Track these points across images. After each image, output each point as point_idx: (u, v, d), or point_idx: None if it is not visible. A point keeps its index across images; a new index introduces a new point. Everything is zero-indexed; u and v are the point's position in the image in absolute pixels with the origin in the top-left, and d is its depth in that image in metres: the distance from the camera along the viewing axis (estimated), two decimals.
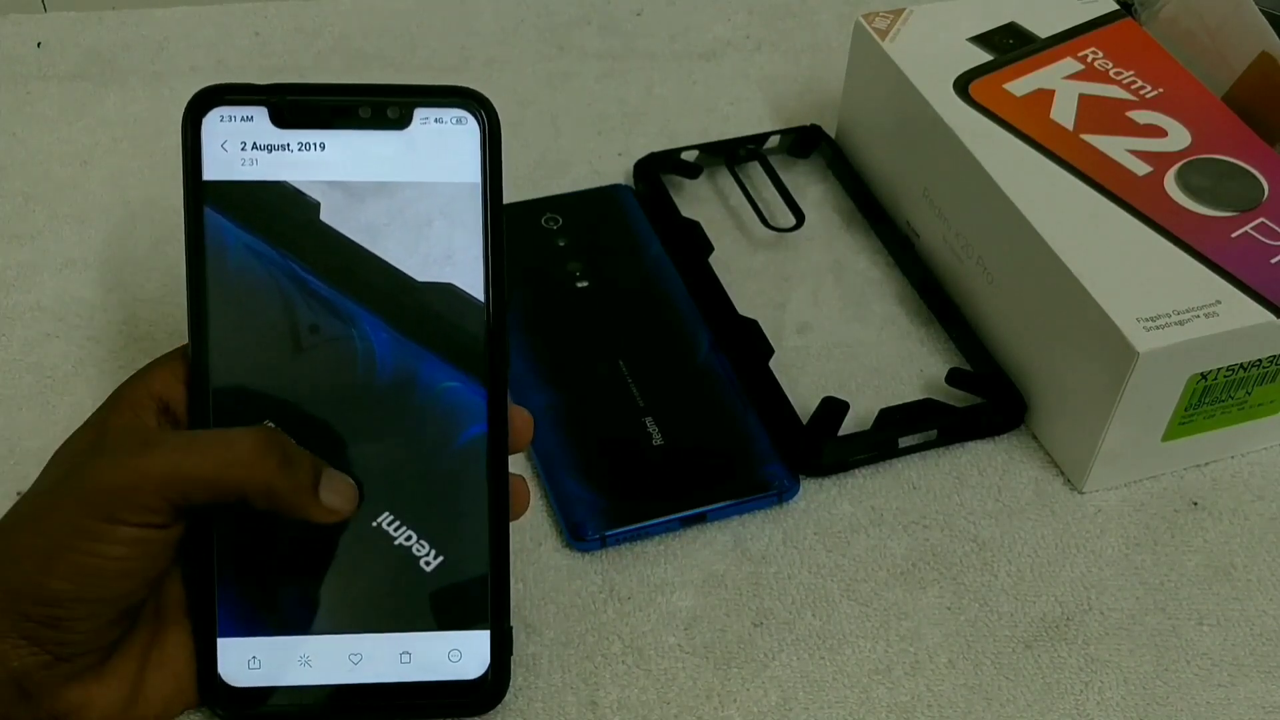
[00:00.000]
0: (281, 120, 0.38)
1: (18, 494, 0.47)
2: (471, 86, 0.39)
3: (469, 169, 0.39)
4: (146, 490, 0.35)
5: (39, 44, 0.66)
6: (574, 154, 0.62)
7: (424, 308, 0.39)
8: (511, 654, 0.40)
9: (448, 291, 0.39)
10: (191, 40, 0.67)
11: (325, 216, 0.39)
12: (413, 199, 0.39)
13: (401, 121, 0.39)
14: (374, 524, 0.39)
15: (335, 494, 0.37)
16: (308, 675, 0.39)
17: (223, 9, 0.69)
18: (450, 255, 0.39)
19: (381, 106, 0.39)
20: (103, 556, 0.35)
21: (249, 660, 0.39)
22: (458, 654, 0.39)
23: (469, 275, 0.39)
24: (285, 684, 0.39)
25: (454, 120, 0.39)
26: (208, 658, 0.39)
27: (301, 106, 0.38)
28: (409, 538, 0.39)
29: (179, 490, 0.35)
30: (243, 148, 0.38)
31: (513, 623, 0.40)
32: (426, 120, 0.39)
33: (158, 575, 0.37)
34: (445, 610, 0.39)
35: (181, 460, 0.35)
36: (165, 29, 0.67)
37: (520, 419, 0.40)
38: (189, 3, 0.69)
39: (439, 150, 0.39)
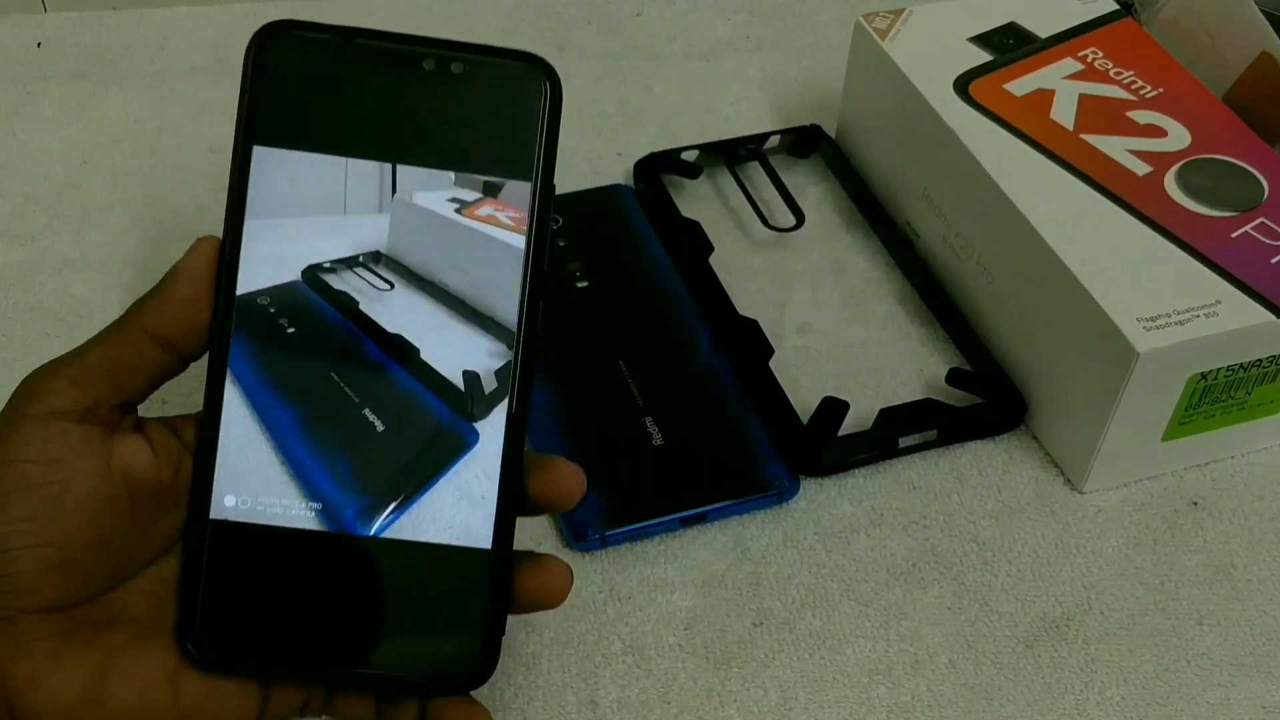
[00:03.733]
0: (349, 56, 0.38)
1: None
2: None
3: (528, 132, 0.38)
4: (39, 376, 0.36)
5: (39, 44, 0.66)
6: (574, 154, 0.62)
7: (464, 268, 0.39)
8: (503, 633, 0.39)
9: (492, 251, 0.39)
10: (191, 40, 0.67)
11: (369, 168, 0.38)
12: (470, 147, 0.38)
13: (463, 79, 0.38)
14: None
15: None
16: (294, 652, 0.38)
17: (223, 9, 0.69)
18: (497, 211, 0.39)
19: (446, 60, 0.38)
20: (4, 458, 0.34)
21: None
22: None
23: (511, 237, 0.39)
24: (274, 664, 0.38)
25: (516, 81, 0.38)
26: (190, 604, 0.37)
27: (366, 51, 0.38)
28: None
29: (75, 365, 0.36)
30: (303, 87, 0.38)
31: (513, 623, 0.40)
32: (488, 76, 0.38)
33: (80, 506, 0.35)
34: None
35: (73, 350, 0.37)
36: (165, 29, 0.67)
37: (567, 473, 0.40)
38: (189, 3, 0.69)
39: (498, 107, 0.38)
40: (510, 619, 0.41)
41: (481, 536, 0.38)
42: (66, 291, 0.54)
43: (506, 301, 0.39)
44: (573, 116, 0.64)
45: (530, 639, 0.43)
